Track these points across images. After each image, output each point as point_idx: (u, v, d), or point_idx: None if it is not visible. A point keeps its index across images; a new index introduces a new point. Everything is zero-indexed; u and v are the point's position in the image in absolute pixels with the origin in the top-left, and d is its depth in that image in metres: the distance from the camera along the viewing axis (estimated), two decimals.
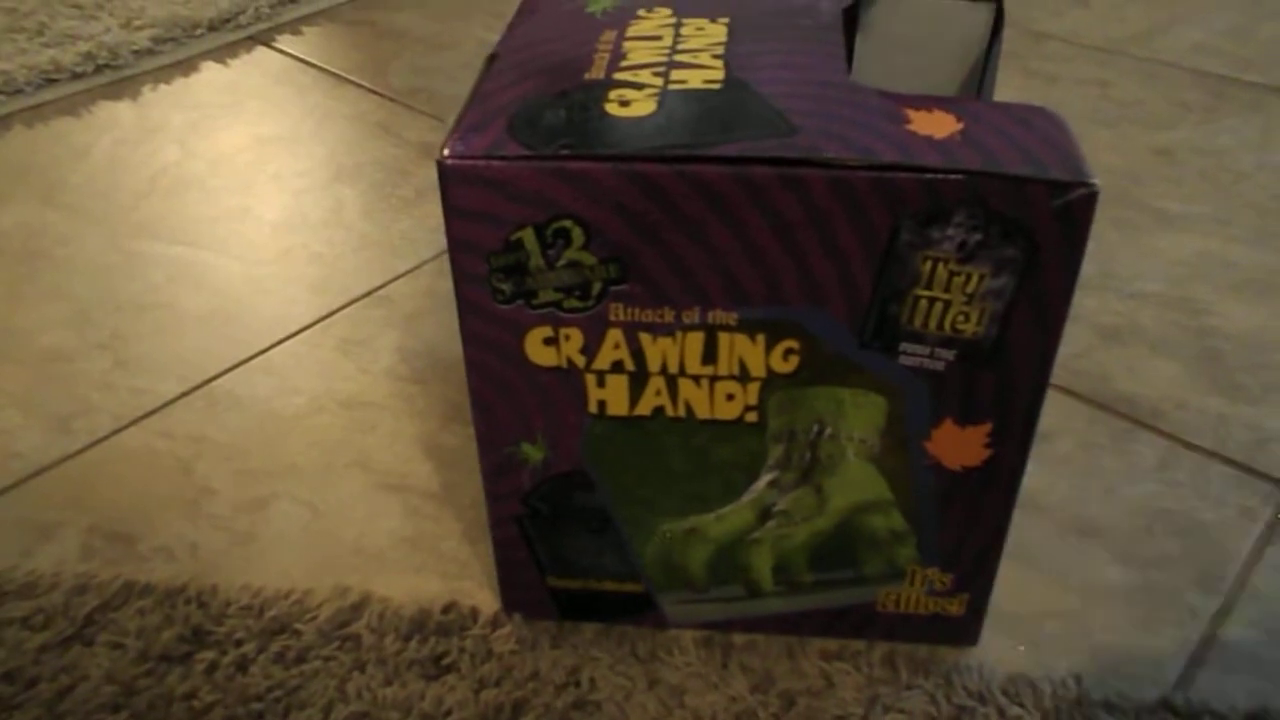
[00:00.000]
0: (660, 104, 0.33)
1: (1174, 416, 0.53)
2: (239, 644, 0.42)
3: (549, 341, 0.35)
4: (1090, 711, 0.40)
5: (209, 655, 0.41)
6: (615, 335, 0.35)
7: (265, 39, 0.92)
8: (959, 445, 0.36)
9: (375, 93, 0.84)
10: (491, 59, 0.37)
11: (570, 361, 0.35)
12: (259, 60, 0.89)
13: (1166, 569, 0.45)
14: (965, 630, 0.41)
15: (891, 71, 0.45)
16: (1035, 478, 0.49)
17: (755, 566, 0.40)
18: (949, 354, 0.34)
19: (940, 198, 0.31)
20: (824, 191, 0.31)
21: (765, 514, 0.39)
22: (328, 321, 0.61)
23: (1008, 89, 0.82)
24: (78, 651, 0.41)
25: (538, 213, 0.32)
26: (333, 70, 0.87)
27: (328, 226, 0.68)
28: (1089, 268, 0.63)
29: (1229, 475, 0.49)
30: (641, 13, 0.39)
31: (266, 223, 0.69)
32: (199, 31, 0.90)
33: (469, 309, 0.35)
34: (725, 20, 0.38)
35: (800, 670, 0.41)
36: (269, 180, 0.73)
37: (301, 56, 0.89)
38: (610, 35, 0.38)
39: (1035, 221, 0.31)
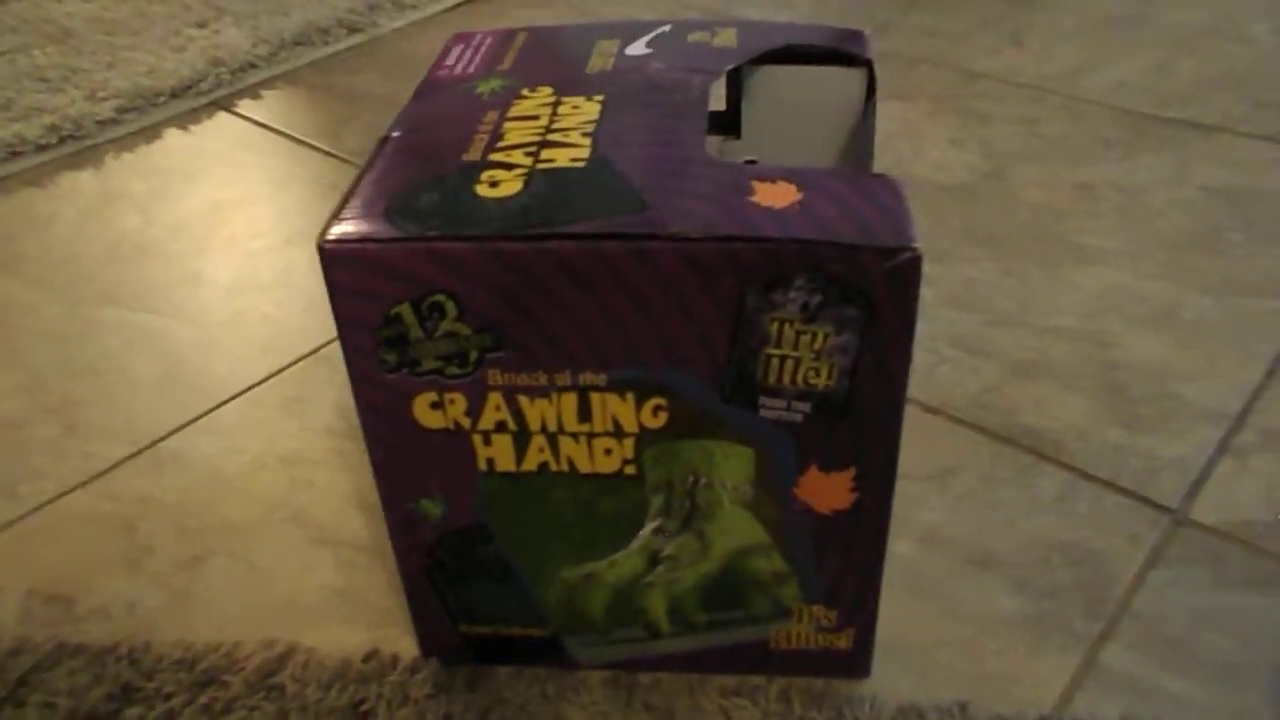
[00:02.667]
0: (526, 184, 0.36)
1: (1075, 449, 0.55)
2: (168, 698, 0.44)
3: (435, 405, 0.38)
4: None
5: (137, 711, 0.43)
6: (496, 398, 0.37)
7: (226, 104, 0.95)
8: (826, 490, 0.38)
9: (331, 154, 0.87)
10: (384, 141, 0.40)
11: (457, 423, 0.38)
12: (220, 125, 0.92)
13: (1058, 597, 0.47)
14: (855, 663, 0.44)
15: (778, 137, 0.48)
16: (936, 512, 0.52)
17: (651, 609, 0.42)
18: (805, 406, 0.36)
19: (781, 264, 0.34)
20: (673, 263, 0.34)
21: (654, 559, 0.41)
22: (273, 381, 0.63)
23: (942, 129, 0.85)
24: (9, 714, 0.43)
25: (412, 290, 0.35)
26: (291, 134, 0.90)
27: (278, 287, 0.71)
28: (1007, 304, 0.66)
29: (1122, 504, 0.51)
30: (525, 92, 0.42)
31: (220, 286, 0.72)
32: (161, 99, 0.94)
33: (360, 379, 0.37)
34: (600, 98, 0.41)
35: (700, 707, 0.43)
36: (225, 244, 0.76)
37: (261, 121, 0.92)
38: (493, 116, 0.40)
39: (869, 283, 0.34)
